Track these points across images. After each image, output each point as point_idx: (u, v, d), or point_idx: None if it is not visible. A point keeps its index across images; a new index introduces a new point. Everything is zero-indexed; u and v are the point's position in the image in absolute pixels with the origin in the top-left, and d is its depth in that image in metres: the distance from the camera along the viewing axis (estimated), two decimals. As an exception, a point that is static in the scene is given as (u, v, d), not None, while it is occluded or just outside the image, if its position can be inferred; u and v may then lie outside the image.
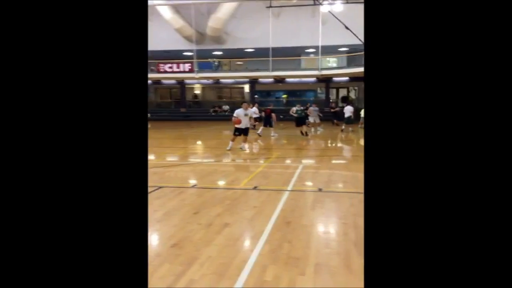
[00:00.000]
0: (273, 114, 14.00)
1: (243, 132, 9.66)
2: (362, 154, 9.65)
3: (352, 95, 26.43)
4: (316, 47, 21.87)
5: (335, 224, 3.94)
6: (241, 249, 3.26)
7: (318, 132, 15.33)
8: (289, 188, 5.57)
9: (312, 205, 4.62)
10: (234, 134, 9.70)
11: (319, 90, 26.74)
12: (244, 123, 9.59)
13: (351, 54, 23.05)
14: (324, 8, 18.38)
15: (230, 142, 9.76)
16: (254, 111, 10.31)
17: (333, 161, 8.43)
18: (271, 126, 13.79)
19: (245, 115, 9.55)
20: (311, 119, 15.22)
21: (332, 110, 19.55)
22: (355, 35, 19.64)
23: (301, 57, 24.97)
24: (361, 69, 20.58)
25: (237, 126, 9.54)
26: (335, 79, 24.05)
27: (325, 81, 24.58)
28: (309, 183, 6.01)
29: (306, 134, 13.24)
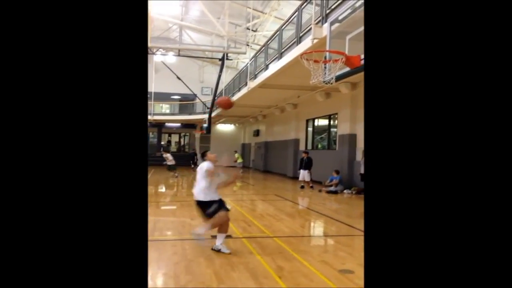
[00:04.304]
0: None
1: None
2: (188, 199, 9.94)
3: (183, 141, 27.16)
4: (149, 93, 22.02)
5: (153, 276, 3.93)
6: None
7: None
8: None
9: (133, 257, 4.51)
10: None
11: (151, 135, 26.60)
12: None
13: (182, 102, 24.01)
14: (157, 58, 18.88)
15: None
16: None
17: (162, 207, 8.42)
18: None
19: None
20: None
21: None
22: (186, 85, 20.76)
23: (134, 101, 24.57)
24: (192, 117, 21.59)
25: None
26: (168, 124, 24.44)
27: (158, 126, 24.71)
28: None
29: None
